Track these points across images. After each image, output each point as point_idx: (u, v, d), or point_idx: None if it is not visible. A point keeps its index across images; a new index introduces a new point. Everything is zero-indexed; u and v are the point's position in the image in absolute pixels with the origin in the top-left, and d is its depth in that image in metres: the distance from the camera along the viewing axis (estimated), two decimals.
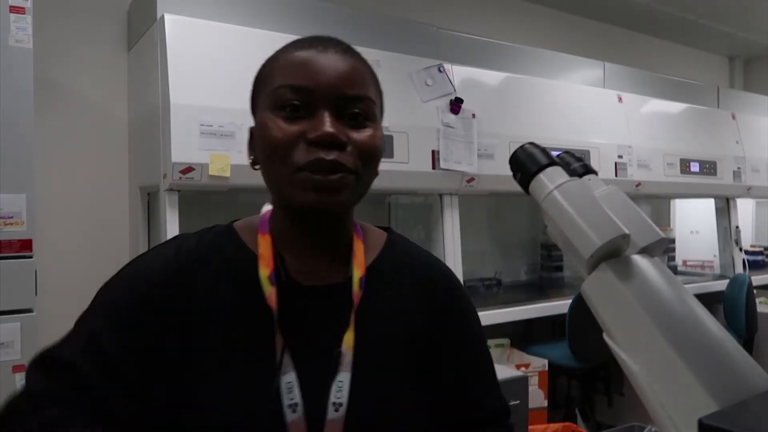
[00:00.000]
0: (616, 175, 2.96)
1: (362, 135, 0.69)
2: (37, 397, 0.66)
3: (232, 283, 0.72)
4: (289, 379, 0.68)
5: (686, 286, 0.68)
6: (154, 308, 0.69)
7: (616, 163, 2.99)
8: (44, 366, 0.68)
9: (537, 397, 2.43)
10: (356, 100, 0.69)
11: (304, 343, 0.70)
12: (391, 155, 2.24)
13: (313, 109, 0.67)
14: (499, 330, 2.57)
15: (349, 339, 0.70)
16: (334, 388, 0.68)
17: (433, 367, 0.76)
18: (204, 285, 0.72)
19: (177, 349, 0.69)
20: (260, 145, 0.70)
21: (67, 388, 0.65)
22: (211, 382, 0.68)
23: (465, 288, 0.86)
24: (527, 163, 0.64)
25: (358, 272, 0.74)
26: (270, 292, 0.70)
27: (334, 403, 0.67)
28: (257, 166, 0.72)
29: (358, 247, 0.76)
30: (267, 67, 0.72)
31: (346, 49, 0.72)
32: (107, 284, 0.73)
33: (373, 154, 0.71)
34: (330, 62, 0.69)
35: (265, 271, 0.71)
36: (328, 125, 0.66)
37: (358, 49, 0.76)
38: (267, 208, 0.79)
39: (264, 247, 0.73)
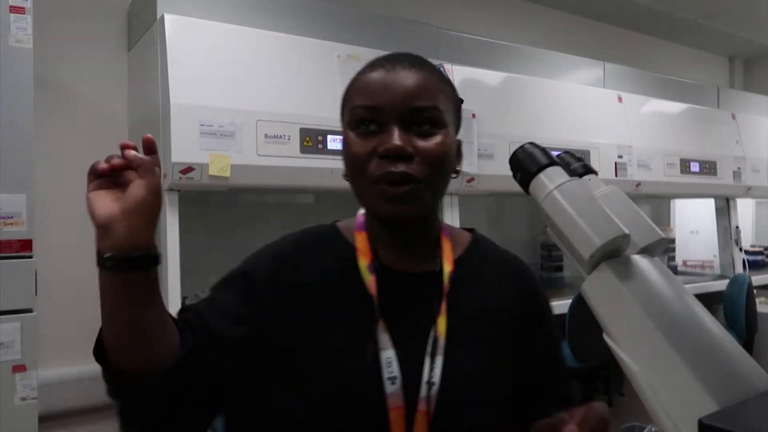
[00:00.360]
0: (616, 175, 2.96)
1: (429, 143, 0.76)
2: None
3: (337, 272, 0.83)
4: (389, 354, 0.76)
5: (686, 286, 0.68)
6: (277, 269, 0.82)
7: (616, 163, 2.99)
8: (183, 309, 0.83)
9: None
10: (422, 111, 0.76)
11: (400, 324, 0.78)
12: None
13: (384, 124, 0.76)
14: None
15: (441, 325, 0.78)
16: (428, 368, 0.76)
17: (518, 355, 0.83)
18: (315, 271, 0.83)
19: (291, 321, 0.80)
20: (343, 159, 0.81)
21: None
22: (314, 355, 0.78)
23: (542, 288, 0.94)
24: (527, 163, 0.64)
25: (447, 266, 0.83)
26: (370, 280, 0.80)
27: (427, 382, 0.75)
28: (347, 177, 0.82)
29: (446, 244, 0.85)
30: (348, 88, 0.83)
31: (414, 64, 0.80)
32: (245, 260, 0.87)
33: (440, 160, 0.77)
34: (396, 79, 0.77)
35: (364, 262, 0.82)
36: (395, 139, 0.74)
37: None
38: (362, 211, 0.88)
39: (361, 242, 0.84)
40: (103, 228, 0.74)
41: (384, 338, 0.77)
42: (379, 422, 0.74)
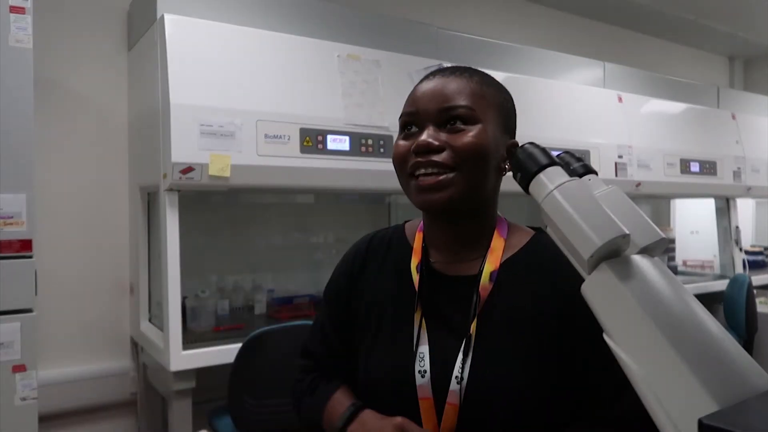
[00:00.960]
0: (616, 175, 2.96)
1: (460, 136, 0.82)
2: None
3: (394, 270, 0.93)
4: (423, 349, 0.84)
5: (686, 286, 0.68)
6: (350, 282, 0.96)
7: (616, 163, 2.99)
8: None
9: None
10: (451, 110, 0.83)
11: (438, 322, 0.86)
12: (391, 155, 2.24)
13: (421, 126, 0.84)
14: None
15: (473, 326, 0.82)
16: (458, 365, 0.81)
17: (562, 358, 0.82)
18: (376, 268, 0.95)
19: (359, 316, 0.93)
20: (393, 161, 0.88)
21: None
22: (369, 343, 0.90)
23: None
24: (527, 163, 0.64)
25: (489, 267, 0.86)
26: (416, 278, 0.88)
27: (456, 377, 0.80)
28: None
29: (497, 244, 0.88)
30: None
31: (455, 72, 0.87)
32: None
33: (471, 151, 0.81)
34: (431, 87, 0.86)
35: (414, 261, 0.90)
36: (424, 136, 0.82)
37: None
38: None
39: (417, 241, 0.92)
40: None
41: (422, 333, 0.85)
42: (411, 409, 0.82)
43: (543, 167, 0.62)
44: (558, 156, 0.70)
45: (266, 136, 1.98)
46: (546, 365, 0.82)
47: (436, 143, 0.81)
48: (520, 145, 0.74)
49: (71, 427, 2.28)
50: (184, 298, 2.05)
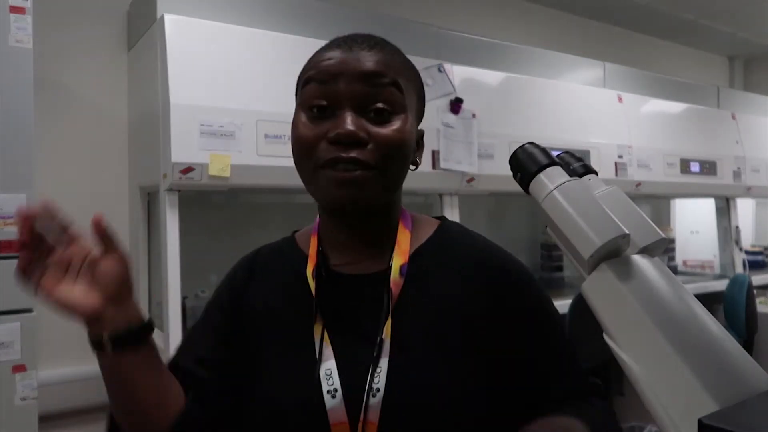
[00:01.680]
0: (616, 175, 2.96)
1: (385, 129, 0.71)
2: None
3: (288, 285, 0.80)
4: (329, 366, 0.72)
5: (686, 286, 0.68)
6: (233, 296, 0.83)
7: (616, 163, 2.99)
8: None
9: None
10: (378, 91, 0.70)
11: (345, 331, 0.74)
12: None
13: (338, 107, 0.70)
14: None
15: (387, 327, 0.72)
16: (371, 373, 0.70)
17: (492, 346, 0.74)
18: (264, 281, 0.82)
19: (245, 336, 0.80)
20: (292, 140, 0.75)
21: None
22: (265, 368, 0.76)
23: (526, 267, 0.84)
24: (527, 163, 0.64)
25: (398, 260, 0.76)
26: (312, 285, 0.76)
27: (371, 389, 0.69)
28: None
29: (403, 237, 0.79)
30: (304, 67, 0.77)
31: (373, 45, 0.73)
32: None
33: (396, 148, 0.71)
34: (354, 58, 0.71)
35: (309, 268, 0.78)
36: (348, 123, 0.69)
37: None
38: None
39: (312, 247, 0.80)
40: (93, 320, 0.69)
41: (325, 348, 0.73)
42: None
43: (543, 167, 0.62)
44: (558, 156, 0.69)
45: (266, 136, 1.98)
46: (476, 357, 0.73)
47: (362, 135, 0.69)
48: (520, 145, 0.72)
49: (71, 427, 2.28)
50: (184, 298, 2.05)
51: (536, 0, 3.74)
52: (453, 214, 2.53)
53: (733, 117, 3.75)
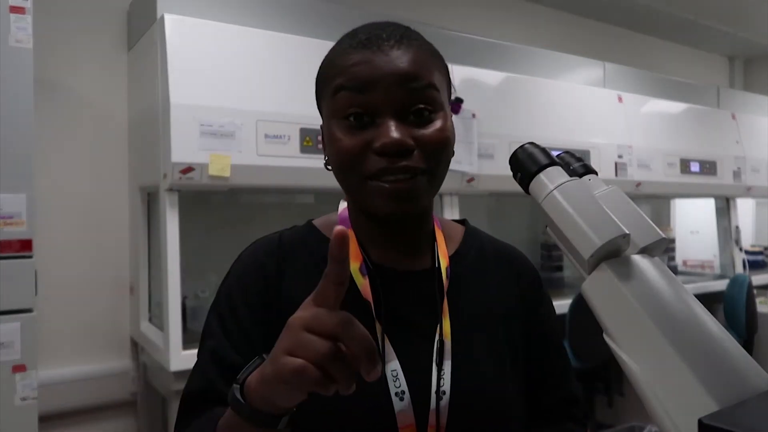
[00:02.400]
0: (616, 175, 2.96)
1: (429, 131, 0.68)
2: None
3: (319, 271, 0.69)
4: (394, 367, 0.68)
5: (686, 286, 0.68)
6: (267, 288, 0.74)
7: (616, 163, 2.99)
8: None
9: None
10: (418, 94, 0.67)
11: (401, 330, 0.71)
12: None
13: (377, 115, 0.67)
14: None
15: (446, 326, 0.71)
16: (435, 376, 0.69)
17: (523, 346, 0.78)
18: (298, 274, 0.74)
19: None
20: (330, 152, 0.71)
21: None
22: None
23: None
24: (527, 163, 0.64)
25: (444, 261, 0.76)
26: (363, 284, 0.72)
27: (437, 391, 0.68)
28: (330, 167, 0.73)
29: (441, 238, 0.79)
30: (326, 65, 0.72)
31: (401, 39, 0.69)
32: (226, 275, 0.79)
33: (443, 147, 0.70)
34: (387, 61, 0.67)
35: (354, 264, 0.72)
36: (393, 132, 0.65)
37: None
38: (344, 205, 0.80)
39: (351, 241, 0.73)
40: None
41: (387, 348, 0.69)
42: None
43: (543, 167, 0.62)
44: (558, 156, 0.69)
45: (266, 136, 1.98)
46: (518, 357, 0.77)
47: (409, 142, 0.66)
48: (520, 145, 0.70)
49: (71, 427, 2.28)
50: (184, 298, 2.05)
51: (536, 0, 3.74)
52: (453, 214, 2.53)
53: (733, 117, 3.75)
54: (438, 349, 0.70)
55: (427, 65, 0.69)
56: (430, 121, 0.69)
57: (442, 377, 0.69)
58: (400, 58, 0.67)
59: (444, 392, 0.68)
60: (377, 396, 0.67)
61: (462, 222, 0.87)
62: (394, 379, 0.68)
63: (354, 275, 0.72)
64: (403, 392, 0.68)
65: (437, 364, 0.69)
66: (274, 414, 0.56)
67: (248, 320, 0.73)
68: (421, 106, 0.68)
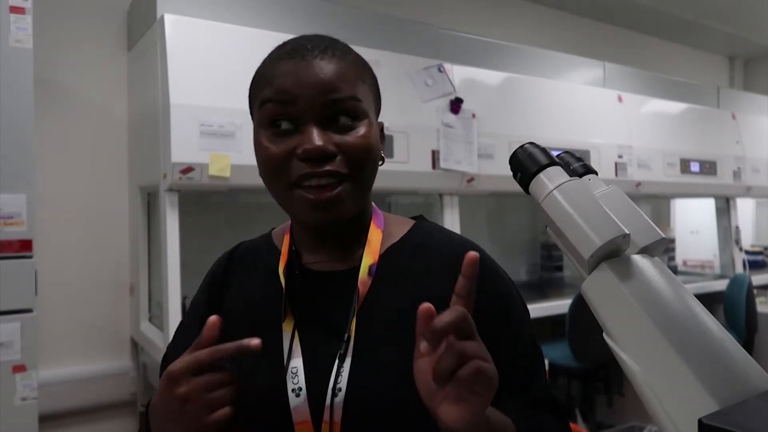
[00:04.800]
0: (616, 175, 2.96)
1: (352, 137, 0.70)
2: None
3: (262, 279, 0.80)
4: (295, 364, 0.72)
5: (686, 286, 0.68)
6: (212, 299, 0.83)
7: (616, 163, 2.99)
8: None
9: None
10: (339, 104, 0.69)
11: (314, 329, 0.74)
12: (391, 155, 2.24)
13: (301, 123, 0.69)
14: None
15: (352, 326, 0.72)
16: (335, 373, 0.70)
17: None
18: (240, 278, 0.83)
19: (224, 337, 0.75)
20: (258, 161, 0.74)
21: None
22: (233, 368, 0.73)
23: (499, 266, 0.80)
24: (527, 163, 0.64)
25: (368, 260, 0.75)
26: (283, 282, 0.76)
27: (333, 388, 0.69)
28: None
29: (374, 236, 0.78)
30: (256, 77, 0.75)
31: (325, 50, 0.71)
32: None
33: (365, 154, 0.71)
34: (310, 72, 0.69)
35: (281, 265, 0.78)
36: (315, 139, 0.67)
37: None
38: None
39: (284, 245, 0.80)
40: None
41: (294, 345, 0.72)
42: None
43: (543, 167, 0.62)
44: (558, 156, 0.69)
45: None
46: None
47: (330, 149, 0.68)
48: (520, 145, 0.69)
49: (71, 427, 2.28)
50: (184, 298, 2.05)
51: (536, 0, 3.74)
52: (453, 214, 2.53)
53: (733, 117, 3.75)
54: (344, 347, 0.71)
55: (350, 76, 0.71)
56: (353, 128, 0.70)
57: (341, 375, 0.69)
58: (322, 69, 0.70)
59: (340, 389, 0.69)
60: (275, 392, 0.71)
61: (418, 218, 0.85)
62: (293, 376, 0.71)
63: (280, 275, 0.77)
64: (300, 389, 0.70)
65: (339, 361, 0.70)
66: None
67: (196, 330, 0.77)
68: (343, 116, 0.70)
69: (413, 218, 0.84)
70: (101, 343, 2.35)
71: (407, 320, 0.69)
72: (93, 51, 2.36)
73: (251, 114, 0.77)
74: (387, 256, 0.77)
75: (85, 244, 2.33)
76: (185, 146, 1.86)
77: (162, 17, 1.92)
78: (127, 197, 2.42)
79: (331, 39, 0.75)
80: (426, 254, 0.77)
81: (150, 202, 2.28)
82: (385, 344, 0.71)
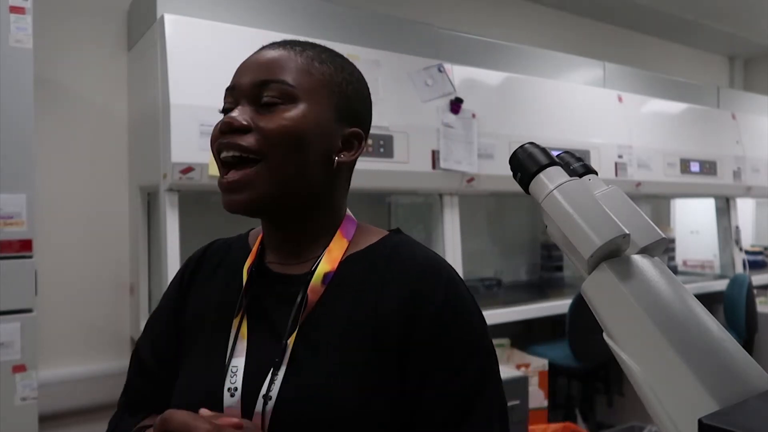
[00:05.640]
0: (616, 175, 2.96)
1: (271, 118, 0.69)
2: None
3: (228, 276, 0.80)
4: (237, 363, 0.71)
5: (686, 286, 0.68)
6: (180, 293, 0.83)
7: (616, 163, 2.99)
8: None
9: (537, 397, 2.43)
10: (265, 85, 0.70)
11: (261, 330, 0.73)
12: (391, 155, 2.24)
13: (236, 104, 0.72)
14: (499, 330, 2.57)
15: (293, 336, 0.70)
16: (268, 380, 0.68)
17: (401, 369, 0.69)
18: (208, 275, 0.82)
19: (185, 331, 0.80)
20: None
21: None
22: (188, 360, 0.77)
23: (466, 294, 0.74)
24: (527, 163, 0.64)
25: (325, 267, 0.73)
26: (245, 280, 0.76)
27: (264, 396, 0.67)
28: None
29: (337, 245, 0.75)
30: None
31: (284, 44, 0.75)
32: None
33: (282, 136, 0.69)
34: (253, 59, 0.74)
35: (247, 263, 0.78)
36: (235, 113, 0.69)
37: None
38: None
39: (256, 244, 0.80)
40: None
41: (239, 345, 0.72)
42: None
43: (543, 167, 0.62)
44: (558, 156, 0.69)
45: None
46: (384, 375, 0.68)
47: (241, 121, 0.68)
48: (520, 145, 0.68)
49: (71, 427, 2.28)
50: None
51: (536, 0, 3.74)
52: (453, 214, 2.53)
53: (733, 117, 3.75)
54: (280, 353, 0.69)
55: (288, 64, 0.72)
56: (277, 111, 0.70)
57: (274, 382, 0.68)
58: (264, 56, 0.73)
59: (271, 397, 0.67)
60: (212, 387, 0.70)
61: (394, 231, 0.81)
62: (233, 375, 0.70)
63: (243, 272, 0.77)
64: (236, 389, 0.69)
65: (274, 368, 0.69)
66: None
67: (164, 323, 0.82)
68: (267, 97, 0.70)
69: (391, 231, 0.81)
70: (101, 343, 2.35)
71: (352, 332, 0.70)
72: (93, 51, 2.36)
73: None
74: (345, 265, 0.74)
75: (85, 244, 2.33)
76: (185, 146, 1.86)
77: (162, 17, 1.92)
78: (127, 197, 2.42)
79: (307, 41, 0.77)
80: (386, 266, 0.73)
81: (150, 202, 2.28)
82: (324, 354, 0.69)
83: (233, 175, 0.69)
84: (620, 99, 3.13)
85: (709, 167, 3.46)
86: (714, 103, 3.89)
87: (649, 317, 0.50)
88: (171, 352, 0.80)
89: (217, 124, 0.71)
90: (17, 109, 1.67)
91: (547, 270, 3.34)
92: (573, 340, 2.57)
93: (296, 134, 0.70)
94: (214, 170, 1.89)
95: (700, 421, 0.41)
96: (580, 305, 2.48)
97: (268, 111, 0.70)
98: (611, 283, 0.53)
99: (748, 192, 3.72)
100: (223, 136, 0.69)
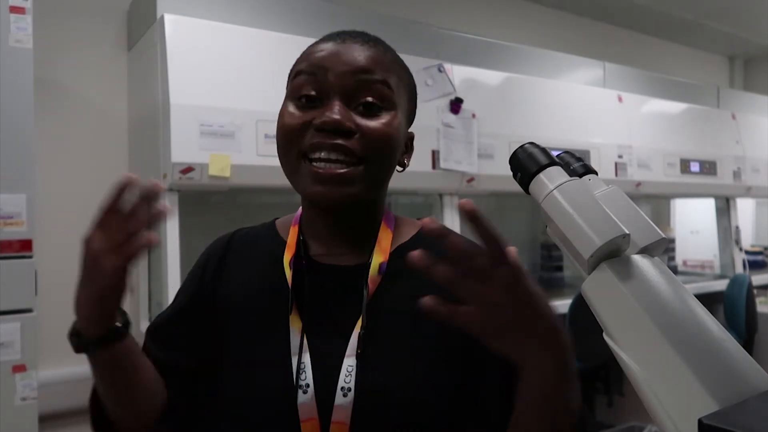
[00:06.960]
0: (616, 175, 2.96)
1: (373, 122, 0.69)
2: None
3: (263, 268, 0.78)
4: (304, 359, 0.70)
5: (686, 286, 0.67)
6: (206, 283, 0.80)
7: (616, 163, 2.99)
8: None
9: None
10: (369, 86, 0.69)
11: (321, 324, 0.72)
12: None
13: (327, 97, 0.69)
14: None
15: (358, 325, 0.70)
16: (343, 372, 0.68)
17: (467, 349, 0.69)
18: (239, 267, 0.80)
19: (218, 323, 0.77)
20: (276, 131, 0.74)
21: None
22: (236, 356, 0.74)
23: None
24: (527, 163, 0.64)
25: (378, 258, 0.74)
26: (289, 275, 0.74)
27: (342, 388, 0.67)
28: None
29: (385, 235, 0.76)
30: (296, 60, 0.75)
31: (368, 40, 0.72)
32: None
33: (383, 141, 0.69)
34: (346, 51, 0.70)
35: (287, 256, 0.75)
36: (335, 112, 0.67)
37: None
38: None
39: (291, 236, 0.78)
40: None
41: (298, 340, 0.71)
42: None
43: (543, 167, 0.62)
44: (558, 156, 0.69)
45: (266, 136, 1.98)
46: (450, 358, 0.69)
47: (350, 126, 0.67)
48: (520, 145, 0.69)
49: (71, 427, 2.28)
50: None
51: (536, 0, 3.74)
52: (453, 214, 2.53)
53: (733, 117, 3.75)
54: (349, 345, 0.69)
55: (385, 65, 0.71)
56: (377, 114, 0.70)
57: (349, 374, 0.68)
58: (358, 51, 0.70)
59: (349, 389, 0.67)
60: (282, 386, 0.69)
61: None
62: (302, 371, 0.69)
63: (285, 267, 0.75)
64: (307, 385, 0.68)
65: (344, 361, 0.69)
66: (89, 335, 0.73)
67: (181, 305, 0.82)
68: (370, 99, 0.69)
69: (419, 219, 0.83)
70: None
71: (416, 320, 0.68)
72: (93, 51, 2.36)
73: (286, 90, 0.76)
74: (396, 255, 0.75)
75: None
76: (185, 146, 1.86)
77: (162, 17, 1.92)
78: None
79: (377, 37, 0.76)
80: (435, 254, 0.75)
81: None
82: (394, 344, 0.70)
83: (335, 169, 0.67)
84: (620, 99, 3.13)
85: (709, 167, 3.46)
86: (714, 103, 3.89)
87: (649, 317, 0.50)
88: (194, 352, 0.79)
89: (294, 113, 0.69)
90: (17, 109, 1.67)
91: (547, 270, 3.34)
92: (573, 340, 2.57)
93: (394, 142, 0.71)
94: (214, 170, 1.89)
95: (700, 421, 0.41)
96: (580, 305, 2.48)
97: (369, 113, 0.69)
98: (611, 283, 0.53)
99: (748, 192, 3.72)
100: (326, 135, 0.67)
